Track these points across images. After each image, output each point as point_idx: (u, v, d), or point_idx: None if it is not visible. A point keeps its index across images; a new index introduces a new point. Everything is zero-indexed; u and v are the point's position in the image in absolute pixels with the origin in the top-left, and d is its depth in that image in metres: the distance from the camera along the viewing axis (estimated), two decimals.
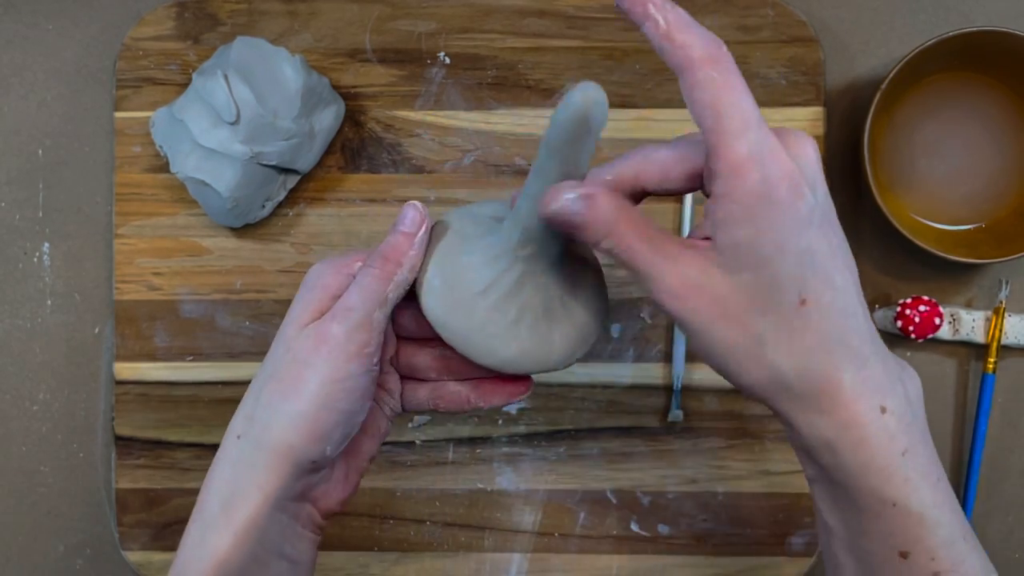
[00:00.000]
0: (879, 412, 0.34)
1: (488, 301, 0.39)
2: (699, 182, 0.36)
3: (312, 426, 0.38)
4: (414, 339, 0.44)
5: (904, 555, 0.35)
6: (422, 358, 0.44)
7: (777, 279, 0.33)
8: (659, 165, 0.36)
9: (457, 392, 0.44)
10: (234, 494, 0.39)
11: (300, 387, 0.38)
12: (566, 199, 0.34)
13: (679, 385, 0.57)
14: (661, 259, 0.34)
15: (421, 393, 0.44)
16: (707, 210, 0.34)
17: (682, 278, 0.34)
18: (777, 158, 0.33)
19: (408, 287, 0.40)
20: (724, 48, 0.34)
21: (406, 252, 0.40)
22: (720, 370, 0.35)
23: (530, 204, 0.37)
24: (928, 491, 0.35)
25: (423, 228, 0.40)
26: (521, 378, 0.44)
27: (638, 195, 0.37)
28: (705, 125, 0.33)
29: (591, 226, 0.34)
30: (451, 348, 0.40)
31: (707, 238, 0.34)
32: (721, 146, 0.32)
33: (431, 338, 0.42)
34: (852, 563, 0.37)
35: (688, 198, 0.57)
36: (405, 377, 0.45)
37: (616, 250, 0.34)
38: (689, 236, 0.36)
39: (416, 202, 0.41)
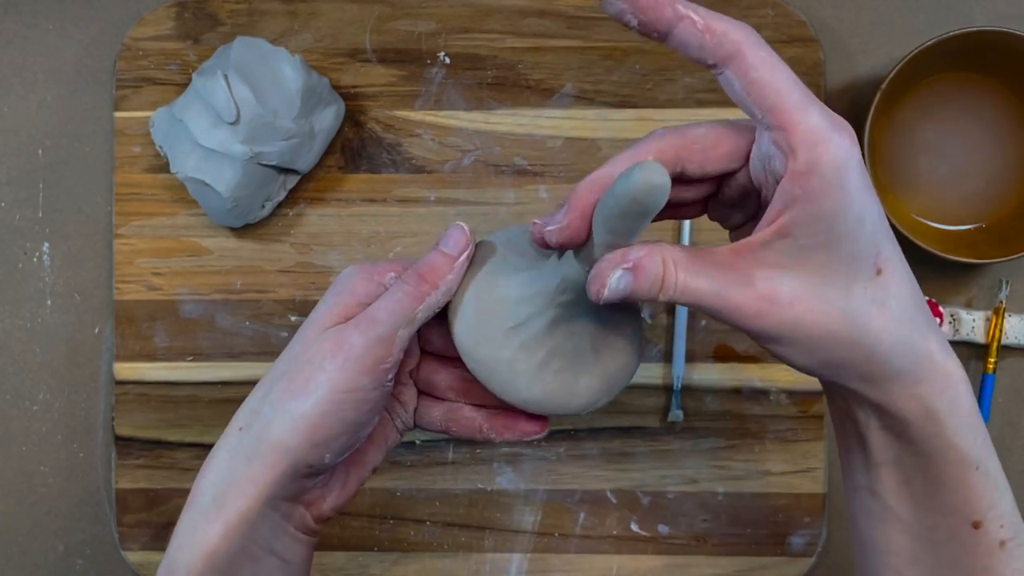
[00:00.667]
0: (963, 374, 0.35)
1: (518, 339, 0.38)
2: (742, 162, 0.35)
3: (314, 431, 0.38)
4: (438, 355, 0.44)
5: (977, 524, 0.35)
6: (443, 376, 0.43)
7: (856, 250, 0.32)
8: (700, 144, 0.35)
9: (471, 419, 0.43)
10: (228, 485, 0.39)
11: (309, 389, 0.38)
12: (613, 283, 0.33)
13: (679, 386, 0.57)
14: (722, 286, 0.33)
15: (436, 412, 0.44)
16: (780, 192, 0.33)
17: (754, 292, 0.33)
18: (842, 126, 0.33)
19: (439, 309, 0.39)
20: (755, 30, 0.34)
21: (444, 275, 0.39)
22: (811, 368, 0.34)
23: (572, 259, 0.36)
24: (994, 455, 0.36)
25: (466, 252, 0.39)
26: (538, 418, 0.43)
27: (675, 180, 0.36)
28: (767, 104, 0.33)
29: (642, 293, 0.33)
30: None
31: (749, 239, 0.34)
32: (794, 121, 0.32)
33: (455, 358, 0.41)
34: (910, 545, 0.36)
35: (687, 224, 0.57)
36: (422, 392, 0.44)
37: (677, 300, 0.33)
38: (731, 240, 0.35)
39: (463, 224, 0.40)
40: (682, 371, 0.57)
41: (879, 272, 0.33)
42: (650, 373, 0.57)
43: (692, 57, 0.33)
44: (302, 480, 0.39)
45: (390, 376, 0.39)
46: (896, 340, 0.33)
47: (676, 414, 0.57)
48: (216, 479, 0.39)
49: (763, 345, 0.34)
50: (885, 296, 0.33)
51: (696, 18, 0.33)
